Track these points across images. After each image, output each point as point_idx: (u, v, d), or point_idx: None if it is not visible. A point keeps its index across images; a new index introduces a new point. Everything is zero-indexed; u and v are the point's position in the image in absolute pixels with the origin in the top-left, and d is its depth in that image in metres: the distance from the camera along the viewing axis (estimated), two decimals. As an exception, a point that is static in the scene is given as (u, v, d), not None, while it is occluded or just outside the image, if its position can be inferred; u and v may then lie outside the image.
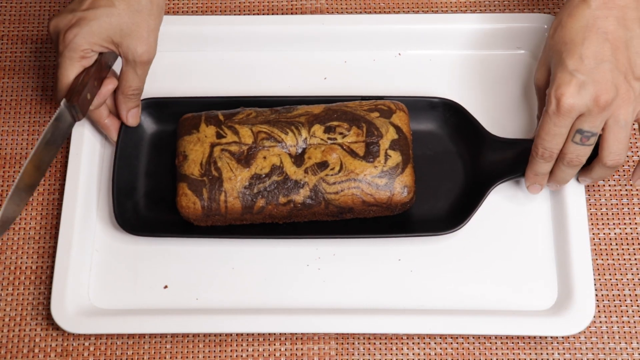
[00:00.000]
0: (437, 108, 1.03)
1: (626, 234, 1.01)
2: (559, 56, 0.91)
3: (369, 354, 0.96)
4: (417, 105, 1.02)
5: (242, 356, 0.96)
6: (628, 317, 0.97)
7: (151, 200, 1.01)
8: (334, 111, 0.99)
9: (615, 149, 0.91)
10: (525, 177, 0.97)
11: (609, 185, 1.03)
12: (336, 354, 0.96)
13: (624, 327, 0.97)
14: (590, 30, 0.89)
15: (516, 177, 0.99)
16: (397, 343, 0.97)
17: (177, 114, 1.02)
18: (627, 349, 0.96)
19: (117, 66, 1.02)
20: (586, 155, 0.93)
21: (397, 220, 0.99)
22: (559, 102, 0.89)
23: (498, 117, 1.04)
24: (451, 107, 1.03)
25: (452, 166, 1.02)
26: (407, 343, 0.97)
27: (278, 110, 1.00)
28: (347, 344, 0.97)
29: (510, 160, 0.99)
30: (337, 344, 0.97)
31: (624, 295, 0.98)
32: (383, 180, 0.96)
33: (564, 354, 0.96)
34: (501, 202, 1.01)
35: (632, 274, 0.99)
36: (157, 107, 1.03)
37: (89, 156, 1.02)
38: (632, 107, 0.90)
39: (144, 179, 1.01)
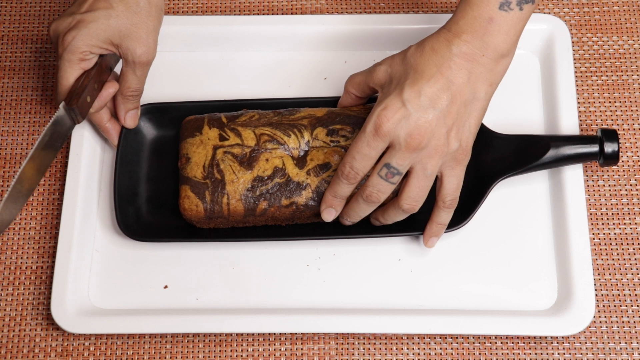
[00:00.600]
0: None
1: (626, 234, 1.01)
2: (403, 78, 0.90)
3: (369, 354, 0.96)
4: None
5: (242, 356, 0.96)
6: (628, 317, 0.97)
7: (153, 205, 1.00)
8: (337, 114, 0.99)
9: (414, 194, 0.91)
10: (323, 200, 0.95)
11: (609, 185, 1.03)
12: (336, 354, 0.96)
13: (623, 327, 0.97)
14: (440, 72, 0.88)
15: (517, 174, 0.99)
16: (397, 343, 0.97)
17: (177, 119, 1.02)
18: (627, 349, 0.96)
19: (118, 69, 1.02)
20: (386, 193, 0.92)
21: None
22: (380, 124, 0.88)
23: (498, 117, 1.04)
24: None
25: None
26: (407, 343, 0.97)
27: (281, 112, 0.99)
28: (347, 344, 0.97)
29: (511, 156, 0.99)
30: (337, 344, 0.97)
31: (624, 295, 0.98)
32: None
33: (564, 354, 0.96)
34: (501, 202, 1.01)
35: (632, 274, 0.99)
36: (157, 112, 1.03)
37: (89, 156, 1.02)
38: (441, 161, 0.90)
39: (146, 184, 1.01)
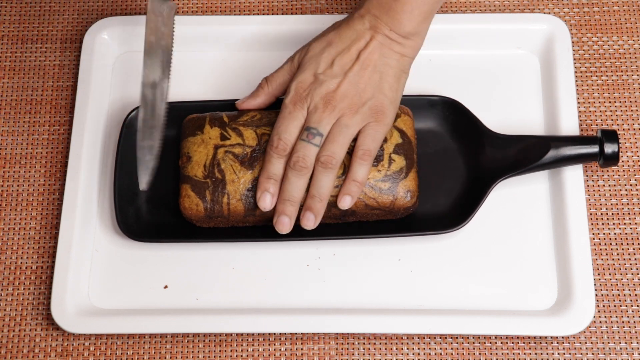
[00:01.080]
0: (436, 106, 1.03)
1: (626, 234, 1.01)
2: (318, 51, 0.97)
3: (369, 354, 0.96)
4: (416, 104, 1.02)
5: (242, 356, 0.96)
6: (628, 317, 0.97)
7: (153, 205, 1.00)
8: None
9: (331, 147, 0.94)
10: (258, 186, 0.95)
11: (609, 185, 1.03)
12: (336, 354, 0.96)
13: (623, 327, 0.97)
14: (353, 44, 0.96)
15: (517, 175, 0.99)
16: (397, 343, 0.97)
17: (177, 119, 1.02)
18: (627, 349, 0.96)
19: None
20: (310, 156, 0.94)
21: (399, 220, 0.99)
22: (297, 93, 0.95)
23: (498, 117, 1.04)
24: (450, 104, 1.03)
25: (453, 164, 1.02)
26: (407, 343, 0.97)
27: None
28: (347, 344, 0.97)
29: (511, 156, 0.99)
30: (337, 344, 0.97)
31: (624, 295, 0.98)
32: (386, 184, 0.96)
33: (564, 354, 0.96)
34: (501, 202, 1.01)
35: (632, 274, 0.99)
36: None
37: (89, 156, 1.02)
38: (356, 119, 0.94)
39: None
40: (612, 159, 0.98)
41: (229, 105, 1.02)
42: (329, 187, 0.95)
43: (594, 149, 0.98)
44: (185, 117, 1.01)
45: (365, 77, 0.95)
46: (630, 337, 0.97)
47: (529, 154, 0.98)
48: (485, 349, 0.96)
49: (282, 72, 1.00)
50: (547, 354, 0.96)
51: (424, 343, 0.96)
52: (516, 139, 1.00)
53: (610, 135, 0.98)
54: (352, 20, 0.97)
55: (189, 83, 1.07)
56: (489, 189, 0.98)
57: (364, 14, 0.96)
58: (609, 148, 0.98)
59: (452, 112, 1.03)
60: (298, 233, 0.98)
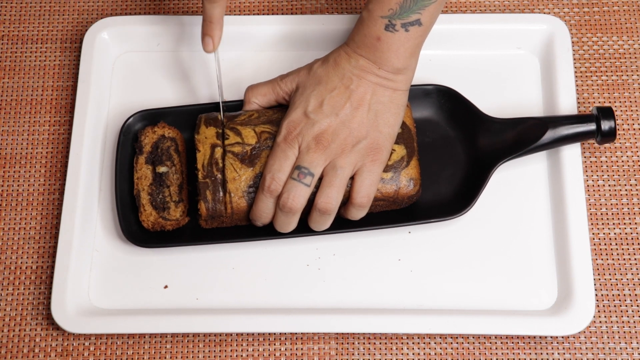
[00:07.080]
0: (431, 95, 1.03)
1: (626, 234, 1.01)
2: (309, 90, 0.96)
3: (369, 354, 0.96)
4: (411, 94, 1.02)
5: (242, 356, 0.96)
6: (628, 317, 0.97)
7: None
8: None
9: (327, 192, 0.94)
10: (251, 217, 0.97)
11: (609, 185, 1.03)
12: (336, 354, 0.96)
13: (623, 327, 0.97)
14: (342, 83, 0.95)
15: (517, 157, 0.98)
16: (397, 343, 0.97)
17: (174, 124, 1.02)
18: (627, 349, 0.96)
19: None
20: (300, 197, 0.93)
21: (400, 212, 0.99)
22: (288, 133, 0.94)
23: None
24: (445, 92, 1.03)
25: (452, 151, 1.02)
26: (407, 343, 0.97)
27: (281, 110, 1.00)
28: (347, 344, 0.97)
29: (509, 139, 0.99)
30: (337, 344, 0.97)
31: (624, 295, 0.98)
32: (388, 174, 0.96)
33: (564, 354, 0.96)
34: (500, 203, 1.01)
35: (632, 274, 0.99)
36: (154, 117, 1.03)
37: (89, 156, 1.02)
38: (350, 159, 0.94)
39: None
40: (609, 136, 0.99)
41: (224, 108, 1.02)
42: (328, 225, 0.96)
43: (591, 126, 0.99)
44: (180, 122, 1.01)
45: (358, 116, 0.94)
46: (630, 337, 0.97)
47: (527, 135, 0.98)
48: (485, 349, 0.96)
49: (266, 87, 1.00)
50: (547, 354, 0.96)
51: (424, 343, 0.96)
52: (513, 121, 1.00)
53: (606, 112, 0.99)
54: (340, 58, 0.96)
55: (188, 83, 1.07)
56: (490, 172, 0.98)
57: (351, 54, 0.96)
58: (606, 124, 0.99)
59: (447, 100, 1.03)
60: (301, 230, 0.98)
